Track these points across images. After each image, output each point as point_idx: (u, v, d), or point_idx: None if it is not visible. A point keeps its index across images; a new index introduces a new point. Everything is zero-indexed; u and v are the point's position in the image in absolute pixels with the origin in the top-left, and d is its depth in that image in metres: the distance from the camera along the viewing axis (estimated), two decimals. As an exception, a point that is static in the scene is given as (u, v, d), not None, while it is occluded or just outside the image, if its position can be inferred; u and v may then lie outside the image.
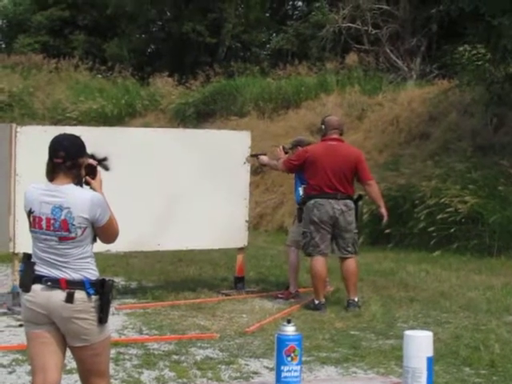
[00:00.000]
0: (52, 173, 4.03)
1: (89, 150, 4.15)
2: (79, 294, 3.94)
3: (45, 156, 4.05)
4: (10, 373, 5.85)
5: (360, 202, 8.69)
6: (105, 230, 4.05)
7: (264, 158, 8.98)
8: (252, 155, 9.05)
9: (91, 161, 4.16)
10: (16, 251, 7.78)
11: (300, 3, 28.14)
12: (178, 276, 10.06)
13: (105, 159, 4.28)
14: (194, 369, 5.99)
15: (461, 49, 14.79)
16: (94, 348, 4.02)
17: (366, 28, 19.73)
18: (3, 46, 30.39)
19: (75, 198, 3.97)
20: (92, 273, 4.01)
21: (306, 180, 8.31)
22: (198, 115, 20.17)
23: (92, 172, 4.14)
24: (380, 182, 11.01)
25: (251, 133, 9.40)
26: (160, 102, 22.01)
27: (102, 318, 3.99)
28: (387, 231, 12.20)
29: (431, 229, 11.97)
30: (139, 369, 5.98)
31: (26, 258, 4.09)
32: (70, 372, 5.33)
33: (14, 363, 6.04)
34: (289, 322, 3.45)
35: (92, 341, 4.00)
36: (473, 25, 14.20)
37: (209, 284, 9.38)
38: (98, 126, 16.65)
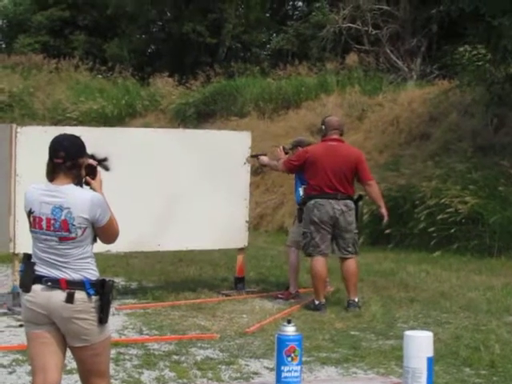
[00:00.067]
0: (52, 173, 4.03)
1: (89, 151, 4.15)
2: (79, 295, 3.94)
3: (45, 156, 4.05)
4: (11, 373, 5.84)
5: (360, 203, 8.69)
6: (105, 231, 4.05)
7: (264, 159, 8.98)
8: (252, 156, 9.05)
9: (91, 161, 4.16)
10: (16, 251, 7.78)
11: (300, 3, 28.17)
12: (179, 276, 10.06)
13: (105, 159, 4.28)
14: (194, 369, 5.99)
15: (461, 49, 14.79)
16: (94, 348, 4.02)
17: (366, 28, 19.74)
18: (3, 46, 30.40)
19: (75, 198, 3.97)
20: (92, 273, 4.01)
21: (306, 180, 8.31)
22: (199, 115, 20.17)
23: (92, 172, 4.14)
24: (380, 182, 11.01)
25: (251, 133, 9.40)
26: (160, 102, 22.02)
27: (103, 319, 3.99)
28: (387, 231, 12.20)
29: (431, 229, 11.97)
30: (139, 369, 5.98)
31: (26, 258, 4.09)
32: (70, 372, 5.33)
33: (14, 363, 6.04)
34: (289, 322, 3.45)
35: (92, 341, 4.00)
36: (473, 25, 14.20)
37: (209, 284, 9.38)
38: (99, 126, 16.66)
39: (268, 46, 27.33)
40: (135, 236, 8.11)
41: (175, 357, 6.32)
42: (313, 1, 23.33)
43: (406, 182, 13.14)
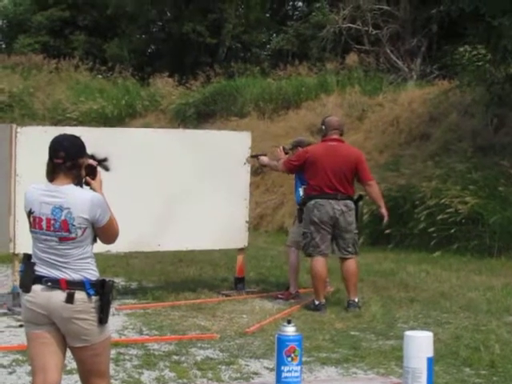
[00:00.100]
0: (52, 173, 4.03)
1: (89, 151, 4.14)
2: (79, 295, 3.94)
3: (45, 156, 4.05)
4: (11, 373, 5.85)
5: (360, 203, 8.69)
6: (105, 231, 4.05)
7: (264, 159, 8.98)
8: (252, 156, 9.05)
9: (91, 161, 4.16)
10: (16, 252, 7.78)
11: (300, 4, 28.17)
12: (179, 276, 10.06)
13: (105, 160, 4.28)
14: (194, 369, 5.99)
15: (461, 49, 14.80)
16: (94, 348, 4.02)
17: (366, 28, 19.74)
18: (3, 46, 30.39)
19: (75, 198, 3.97)
20: (92, 273, 4.01)
21: (306, 180, 8.31)
22: (199, 116, 20.17)
23: (92, 172, 4.14)
24: (380, 182, 11.01)
25: (251, 133, 9.40)
26: (160, 102, 22.02)
27: (103, 319, 3.99)
28: (387, 232, 12.21)
29: (431, 229, 11.98)
30: (139, 369, 5.98)
31: (26, 258, 4.09)
32: (70, 372, 5.33)
33: (14, 363, 6.04)
34: (289, 322, 3.45)
35: (92, 341, 4.00)
36: (473, 25, 14.21)
37: (209, 284, 9.38)
38: (99, 126, 16.65)
39: (268, 46, 27.33)
40: (135, 236, 8.11)
41: (175, 357, 6.32)
42: (313, 1, 23.33)
43: (406, 182, 13.14)
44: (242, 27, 26.29)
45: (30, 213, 4.01)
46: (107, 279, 4.02)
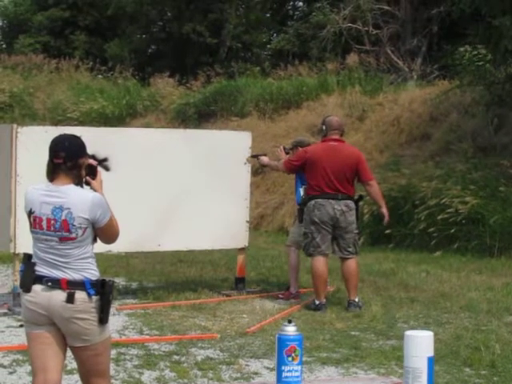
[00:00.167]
0: (52, 173, 4.03)
1: (89, 151, 4.14)
2: (80, 295, 3.94)
3: (45, 156, 4.05)
4: (11, 373, 5.84)
5: (360, 203, 8.70)
6: (105, 231, 4.05)
7: (264, 159, 8.98)
8: (253, 156, 9.05)
9: (92, 161, 4.16)
10: (17, 252, 7.78)
11: (301, 4, 28.18)
12: (179, 276, 10.06)
13: (105, 159, 4.28)
14: (194, 369, 5.99)
15: (461, 49, 14.80)
16: (94, 348, 4.02)
17: (366, 28, 19.75)
18: (4, 46, 30.41)
19: (76, 198, 3.97)
20: (93, 273, 4.01)
21: (306, 180, 8.31)
22: (199, 116, 20.18)
23: (92, 172, 4.14)
24: (381, 182, 11.01)
25: (252, 133, 9.39)
26: (161, 102, 22.03)
27: (103, 319, 3.99)
28: (388, 232, 12.21)
29: (432, 229, 11.97)
30: (140, 369, 5.98)
31: (27, 258, 4.09)
32: (70, 372, 5.33)
33: (14, 363, 6.04)
34: (289, 322, 3.45)
35: (92, 341, 4.00)
36: (473, 25, 14.21)
37: (209, 284, 9.38)
38: (99, 126, 16.65)
39: (268, 46, 27.35)
40: (136, 236, 8.12)
41: (176, 357, 6.32)
42: (313, 1, 23.33)
43: (407, 182, 13.15)
44: (243, 27, 26.31)
45: (30, 213, 4.02)
46: (107, 279, 4.02)
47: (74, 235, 3.94)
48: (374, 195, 8.49)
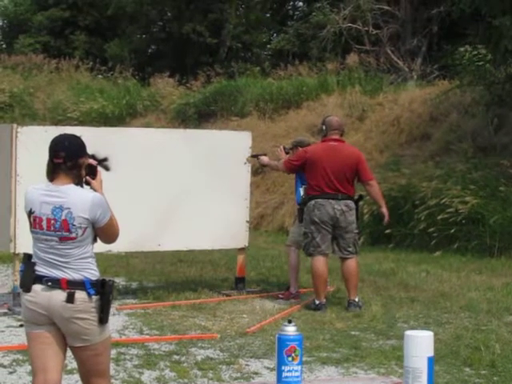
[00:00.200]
0: (52, 173, 4.03)
1: (89, 151, 4.14)
2: (80, 294, 3.94)
3: (45, 156, 4.04)
4: (11, 373, 5.85)
5: (360, 202, 8.70)
6: (105, 231, 4.05)
7: (264, 159, 8.98)
8: (253, 156, 9.05)
9: (92, 161, 4.16)
10: (17, 251, 7.78)
11: (301, 4, 28.18)
12: (179, 276, 10.06)
13: (105, 159, 4.27)
14: (194, 369, 5.99)
15: (461, 49, 14.80)
16: (94, 348, 4.02)
17: (366, 28, 19.75)
18: (4, 46, 30.41)
19: (76, 198, 3.97)
20: (93, 273, 4.01)
21: (306, 180, 8.31)
22: (199, 116, 20.18)
23: (92, 172, 4.14)
24: (381, 182, 11.01)
25: (252, 133, 9.40)
26: (161, 102, 22.04)
27: (103, 318, 3.99)
28: (388, 231, 12.21)
29: (432, 229, 11.98)
30: (140, 369, 5.98)
31: (27, 258, 4.09)
32: (70, 372, 5.33)
33: (14, 363, 6.04)
34: (289, 322, 3.45)
35: (92, 341, 4.00)
36: (473, 25, 14.21)
37: (209, 284, 9.38)
38: (99, 126, 16.65)
39: (268, 46, 27.35)
40: (136, 236, 8.12)
41: (176, 357, 6.32)
42: (313, 1, 23.34)
43: (407, 182, 13.15)
44: (243, 27, 26.31)
45: (30, 213, 4.01)
46: (107, 279, 4.02)
47: (74, 235, 3.94)
48: (374, 195, 8.50)
